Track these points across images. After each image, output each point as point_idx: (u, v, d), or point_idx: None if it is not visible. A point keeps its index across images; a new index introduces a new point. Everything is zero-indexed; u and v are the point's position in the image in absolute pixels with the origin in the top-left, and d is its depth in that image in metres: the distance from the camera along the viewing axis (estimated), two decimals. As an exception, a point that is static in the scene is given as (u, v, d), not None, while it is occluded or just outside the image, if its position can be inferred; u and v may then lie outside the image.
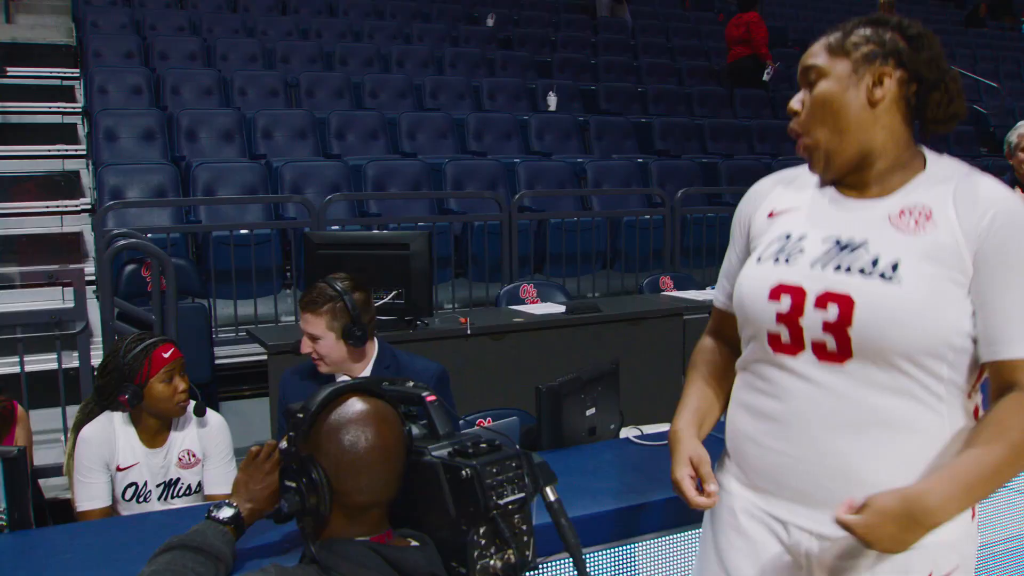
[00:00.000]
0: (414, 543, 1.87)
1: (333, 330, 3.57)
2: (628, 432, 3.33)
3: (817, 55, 1.99)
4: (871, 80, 1.91)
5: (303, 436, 1.85)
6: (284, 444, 1.88)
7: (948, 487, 1.75)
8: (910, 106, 1.94)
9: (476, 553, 1.78)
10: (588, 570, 1.87)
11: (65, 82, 9.87)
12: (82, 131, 9.16)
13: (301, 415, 1.85)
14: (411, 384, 2.02)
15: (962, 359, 1.86)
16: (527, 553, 1.84)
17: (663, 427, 3.33)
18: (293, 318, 6.90)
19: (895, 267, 1.85)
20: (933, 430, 1.87)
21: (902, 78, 1.92)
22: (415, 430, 1.94)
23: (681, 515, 2.69)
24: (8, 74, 9.53)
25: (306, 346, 3.61)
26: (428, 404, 1.96)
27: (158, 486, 3.44)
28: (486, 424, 3.41)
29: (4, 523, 2.53)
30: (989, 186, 1.88)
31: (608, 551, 2.63)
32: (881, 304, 1.84)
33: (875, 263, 1.87)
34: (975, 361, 1.87)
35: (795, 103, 2.01)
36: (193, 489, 3.49)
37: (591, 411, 3.31)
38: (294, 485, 1.83)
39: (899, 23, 1.95)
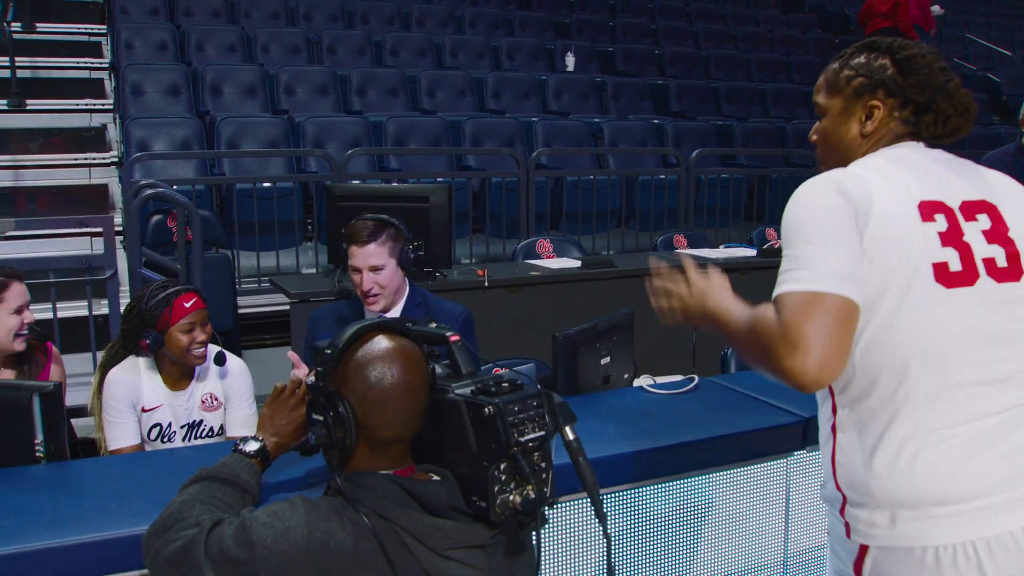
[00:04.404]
0: (435, 477, 1.91)
1: (394, 256, 3.69)
2: (642, 381, 3.40)
3: (819, 91, 2.13)
4: (862, 114, 2.04)
5: (330, 371, 1.89)
6: (312, 379, 1.92)
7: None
8: (908, 125, 2.03)
9: (496, 488, 1.81)
10: (604, 508, 1.92)
11: (93, 38, 9.92)
12: (109, 86, 9.23)
13: (329, 351, 1.89)
14: (434, 325, 2.05)
15: None
16: (545, 490, 1.87)
17: (676, 377, 3.42)
18: (314, 270, 6.99)
19: None
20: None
21: (893, 104, 2.02)
22: (438, 369, 1.96)
23: (690, 460, 2.79)
24: (37, 30, 9.57)
25: (367, 281, 3.67)
26: (452, 344, 1.99)
27: (182, 427, 3.55)
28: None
29: (42, 454, 2.62)
30: None
31: (619, 493, 2.70)
32: None
33: None
34: None
35: (812, 134, 2.17)
36: (215, 431, 3.60)
37: (606, 360, 3.39)
38: (321, 419, 1.88)
39: (890, 47, 2.04)
